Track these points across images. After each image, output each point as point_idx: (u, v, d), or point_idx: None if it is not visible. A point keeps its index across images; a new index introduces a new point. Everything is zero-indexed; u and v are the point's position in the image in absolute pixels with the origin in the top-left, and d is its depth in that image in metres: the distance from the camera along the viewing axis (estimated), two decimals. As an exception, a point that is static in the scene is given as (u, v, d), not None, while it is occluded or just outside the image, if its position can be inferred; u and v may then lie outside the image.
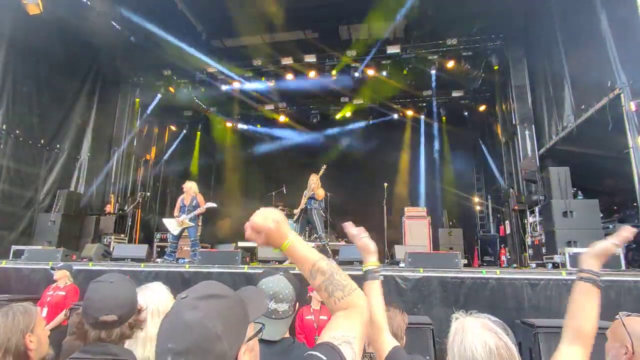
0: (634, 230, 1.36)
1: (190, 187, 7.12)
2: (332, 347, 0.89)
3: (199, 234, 7.45)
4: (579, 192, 6.46)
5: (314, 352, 0.88)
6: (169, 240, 7.15)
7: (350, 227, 1.50)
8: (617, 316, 1.44)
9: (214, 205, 6.96)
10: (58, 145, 8.88)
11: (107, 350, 1.38)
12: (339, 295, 1.00)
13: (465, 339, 1.18)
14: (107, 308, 1.38)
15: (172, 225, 6.89)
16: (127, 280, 1.52)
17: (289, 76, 10.48)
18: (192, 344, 0.73)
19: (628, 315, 1.42)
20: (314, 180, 6.94)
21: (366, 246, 1.48)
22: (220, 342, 0.75)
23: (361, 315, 1.00)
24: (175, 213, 7.03)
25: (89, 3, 7.90)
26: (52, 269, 4.74)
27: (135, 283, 1.57)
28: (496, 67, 9.47)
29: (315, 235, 8.46)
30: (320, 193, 6.94)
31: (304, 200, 6.95)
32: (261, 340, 1.53)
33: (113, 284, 1.44)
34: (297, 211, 7.03)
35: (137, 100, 11.18)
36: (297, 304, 1.66)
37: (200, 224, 8.32)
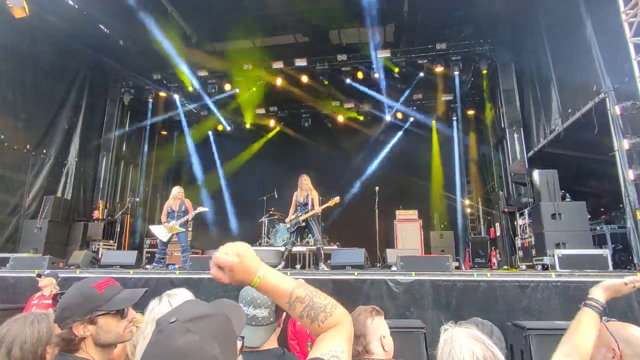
0: None
1: (179, 192, 7.04)
2: None
3: (189, 239, 7.34)
4: (567, 194, 6.56)
5: None
6: (158, 246, 7.06)
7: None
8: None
9: (206, 209, 6.86)
10: (44, 151, 8.73)
11: None
12: (321, 317, 0.96)
13: (454, 349, 1.19)
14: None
15: (160, 231, 6.80)
16: (75, 286, 1.49)
17: (280, 80, 10.48)
18: None
19: (608, 321, 1.46)
20: (309, 184, 6.85)
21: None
22: None
23: (346, 330, 0.98)
24: (163, 219, 6.92)
25: (76, 7, 7.80)
26: (39, 275, 4.67)
27: (88, 287, 1.47)
28: (485, 72, 9.60)
29: (308, 238, 8.42)
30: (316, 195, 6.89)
31: (317, 209, 6.63)
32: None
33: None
34: (313, 211, 6.61)
35: (126, 104, 11.04)
36: (285, 313, 1.63)
37: (190, 229, 8.23)
